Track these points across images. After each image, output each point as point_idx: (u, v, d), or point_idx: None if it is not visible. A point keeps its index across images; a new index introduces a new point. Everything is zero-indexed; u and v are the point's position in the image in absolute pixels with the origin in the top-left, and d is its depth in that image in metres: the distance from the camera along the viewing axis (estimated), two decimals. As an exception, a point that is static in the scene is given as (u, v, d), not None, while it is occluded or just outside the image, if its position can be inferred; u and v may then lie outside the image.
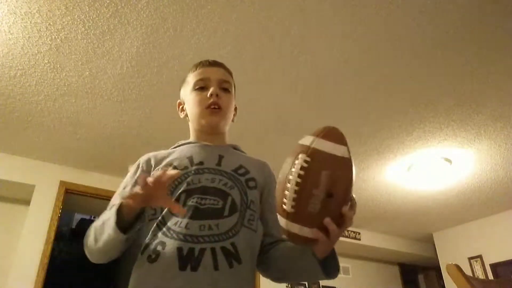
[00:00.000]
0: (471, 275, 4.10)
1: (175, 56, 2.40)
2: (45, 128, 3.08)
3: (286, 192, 0.74)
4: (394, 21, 2.20)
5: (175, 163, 0.98)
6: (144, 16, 2.12)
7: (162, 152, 1.06)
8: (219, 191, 0.93)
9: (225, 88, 1.11)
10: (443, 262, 5.38)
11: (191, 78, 1.13)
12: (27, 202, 3.49)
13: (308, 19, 2.18)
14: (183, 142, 1.12)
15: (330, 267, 0.85)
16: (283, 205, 0.75)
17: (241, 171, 1.01)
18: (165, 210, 0.90)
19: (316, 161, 0.74)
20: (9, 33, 2.21)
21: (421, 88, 2.73)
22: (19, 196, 3.63)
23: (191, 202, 0.89)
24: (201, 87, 1.08)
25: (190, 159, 1.00)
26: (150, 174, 0.96)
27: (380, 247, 5.57)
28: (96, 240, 0.87)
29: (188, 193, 0.91)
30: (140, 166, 1.02)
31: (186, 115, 1.14)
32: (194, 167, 0.97)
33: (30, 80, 2.56)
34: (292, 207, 0.73)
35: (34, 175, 3.50)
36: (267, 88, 2.71)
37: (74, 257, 6.74)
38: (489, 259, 4.92)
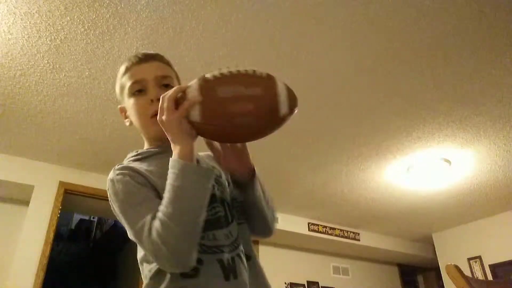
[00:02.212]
0: (470, 276, 4.10)
1: (175, 56, 2.40)
2: (44, 129, 3.07)
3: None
4: (394, 22, 2.20)
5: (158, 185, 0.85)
6: (144, 16, 2.12)
7: (134, 164, 0.91)
8: (218, 198, 0.90)
9: (165, 84, 0.95)
10: (443, 263, 5.38)
11: (125, 81, 0.98)
12: (26, 202, 3.49)
13: (307, 20, 2.18)
14: (145, 153, 0.97)
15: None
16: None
17: (216, 171, 0.93)
18: None
19: None
20: (8, 33, 2.21)
21: (420, 89, 2.73)
22: (18, 196, 3.62)
23: (207, 214, 0.83)
24: (138, 90, 0.94)
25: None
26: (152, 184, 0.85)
27: (380, 247, 5.58)
28: (180, 223, 0.74)
29: None
30: (137, 173, 0.86)
31: (131, 123, 1.01)
32: None
33: (29, 80, 2.56)
34: None
35: (33, 176, 3.50)
36: (267, 88, 2.70)
37: (73, 258, 6.74)
38: (489, 260, 4.93)
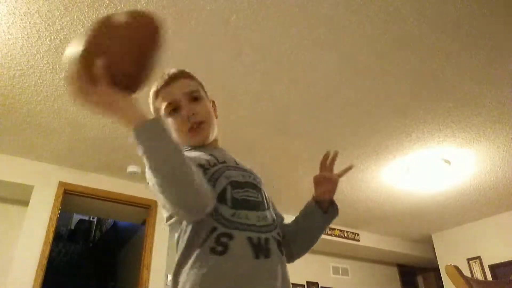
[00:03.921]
0: (470, 276, 4.11)
1: (175, 57, 2.40)
2: (44, 129, 3.07)
3: None
4: (393, 22, 2.20)
5: (201, 162, 0.94)
6: (144, 16, 2.12)
7: None
8: (252, 185, 0.97)
9: (195, 97, 1.05)
10: (442, 263, 5.38)
11: (159, 104, 1.06)
12: (25, 202, 3.48)
13: (306, 21, 2.18)
14: (185, 147, 1.05)
15: (331, 212, 1.06)
16: None
17: (250, 169, 1.06)
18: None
19: None
20: (8, 34, 2.20)
21: (420, 89, 2.73)
22: (18, 196, 3.62)
23: (239, 194, 0.91)
24: (173, 110, 1.03)
25: (214, 157, 0.98)
26: None
27: (379, 248, 5.57)
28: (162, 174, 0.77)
29: (233, 185, 0.93)
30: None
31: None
32: (221, 164, 0.97)
33: (29, 80, 2.56)
34: None
35: (32, 176, 3.50)
36: (266, 89, 2.71)
37: (72, 258, 6.73)
38: (488, 260, 4.93)
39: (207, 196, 0.81)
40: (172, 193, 0.77)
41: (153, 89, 1.09)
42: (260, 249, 0.85)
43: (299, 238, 1.07)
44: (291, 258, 1.07)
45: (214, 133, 1.09)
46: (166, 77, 1.07)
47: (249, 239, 0.85)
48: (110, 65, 0.79)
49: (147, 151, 0.76)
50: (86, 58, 0.79)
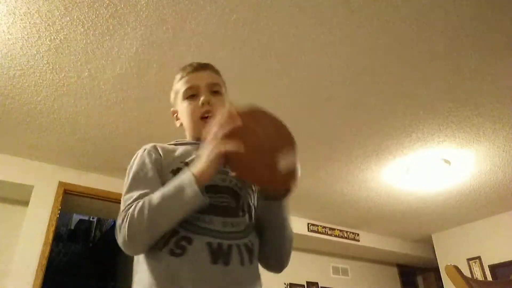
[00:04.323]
0: (470, 276, 4.10)
1: (175, 57, 2.40)
2: (44, 129, 3.07)
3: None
4: (393, 22, 2.20)
5: (186, 160, 0.97)
6: (144, 17, 2.12)
7: (166, 145, 1.05)
8: (230, 190, 0.95)
9: (215, 91, 1.08)
10: (442, 263, 5.38)
11: (180, 86, 1.10)
12: (25, 203, 3.48)
13: (307, 21, 2.18)
14: (182, 141, 1.09)
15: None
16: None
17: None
18: None
19: None
20: (8, 34, 2.20)
21: (419, 89, 2.73)
22: (18, 196, 3.62)
23: (210, 200, 0.89)
24: (191, 95, 1.06)
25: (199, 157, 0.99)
26: (160, 161, 0.97)
27: (379, 248, 5.57)
28: (152, 219, 0.83)
29: (206, 190, 0.89)
30: (154, 154, 0.99)
31: (181, 124, 1.12)
32: None
33: (29, 80, 2.56)
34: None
35: (32, 176, 3.50)
36: (266, 89, 2.71)
37: (72, 258, 6.73)
38: (488, 261, 4.93)
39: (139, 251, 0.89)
40: (136, 226, 0.84)
41: (179, 72, 1.12)
42: (219, 255, 0.84)
43: (265, 239, 0.99)
44: (272, 267, 1.02)
45: None
46: (195, 64, 1.12)
47: (208, 244, 0.85)
48: (242, 145, 0.81)
49: (177, 200, 0.83)
50: (239, 129, 0.82)
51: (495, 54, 2.43)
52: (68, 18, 2.12)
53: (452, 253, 5.35)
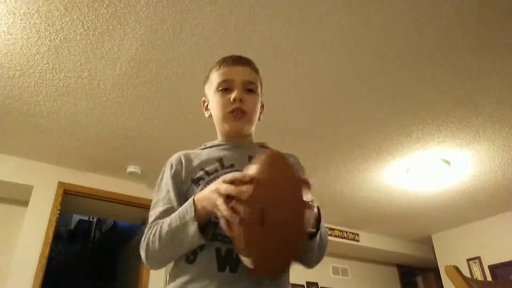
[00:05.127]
0: (470, 277, 4.10)
1: (174, 57, 2.40)
2: (44, 129, 3.07)
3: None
4: (393, 23, 2.20)
5: (206, 168, 0.96)
6: (143, 17, 2.12)
7: (191, 152, 1.03)
8: None
9: (250, 89, 1.04)
10: (442, 264, 5.38)
11: (215, 78, 1.06)
12: (25, 203, 3.48)
13: (307, 21, 2.18)
14: (211, 144, 1.07)
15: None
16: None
17: None
18: None
19: None
20: (8, 34, 2.20)
21: (419, 90, 2.73)
22: (18, 197, 3.62)
23: None
24: (224, 89, 1.02)
25: (220, 161, 0.97)
26: (180, 173, 0.97)
27: (379, 248, 5.57)
28: (163, 252, 0.86)
29: None
30: (174, 166, 0.98)
31: (211, 115, 1.09)
32: (224, 170, 0.94)
33: (29, 80, 2.56)
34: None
35: (32, 176, 3.50)
36: (265, 89, 2.70)
37: (72, 258, 6.73)
38: (488, 261, 4.92)
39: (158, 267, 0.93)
40: (151, 248, 0.87)
41: (218, 63, 1.09)
42: (226, 262, 0.82)
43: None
44: (307, 265, 1.04)
45: (249, 131, 1.07)
46: (235, 58, 1.07)
47: (217, 250, 0.83)
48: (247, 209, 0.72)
49: (182, 234, 0.82)
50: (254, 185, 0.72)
51: (495, 54, 2.43)
52: (68, 18, 2.12)
53: (452, 253, 5.35)
